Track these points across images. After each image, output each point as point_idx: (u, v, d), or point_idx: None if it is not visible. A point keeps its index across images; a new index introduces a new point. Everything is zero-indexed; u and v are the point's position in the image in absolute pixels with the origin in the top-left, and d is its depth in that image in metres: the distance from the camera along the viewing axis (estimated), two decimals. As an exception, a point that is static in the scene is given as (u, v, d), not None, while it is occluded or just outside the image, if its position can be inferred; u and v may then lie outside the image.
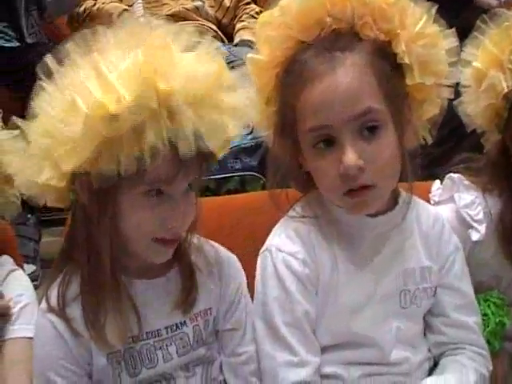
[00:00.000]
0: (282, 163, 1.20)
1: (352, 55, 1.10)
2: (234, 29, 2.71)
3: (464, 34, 1.31)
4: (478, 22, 1.32)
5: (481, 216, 1.34)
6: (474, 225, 1.34)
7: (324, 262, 1.18)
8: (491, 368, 1.26)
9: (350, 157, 1.08)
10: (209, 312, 1.19)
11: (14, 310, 1.25)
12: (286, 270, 1.16)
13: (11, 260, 1.35)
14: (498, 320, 1.30)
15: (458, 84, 1.29)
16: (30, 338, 1.18)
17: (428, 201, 1.38)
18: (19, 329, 1.24)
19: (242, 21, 2.70)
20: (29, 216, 2.46)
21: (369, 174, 1.09)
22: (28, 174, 1.07)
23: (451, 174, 1.39)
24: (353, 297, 1.18)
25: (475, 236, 1.33)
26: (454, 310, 1.25)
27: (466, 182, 1.38)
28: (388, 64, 1.12)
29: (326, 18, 1.12)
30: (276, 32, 1.15)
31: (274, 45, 1.16)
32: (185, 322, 1.16)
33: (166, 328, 1.15)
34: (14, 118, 1.09)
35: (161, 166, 1.02)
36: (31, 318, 1.22)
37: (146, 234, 1.07)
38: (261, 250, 1.21)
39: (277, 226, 1.23)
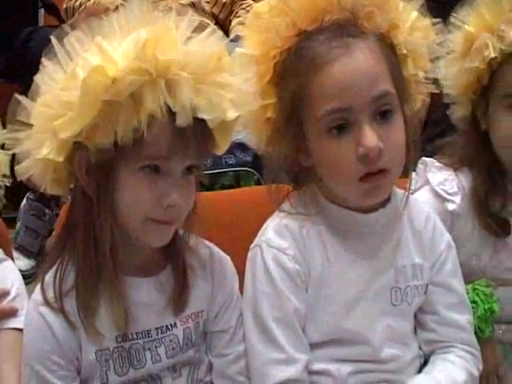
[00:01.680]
0: (278, 157, 1.20)
1: (363, 41, 1.11)
2: (230, 24, 2.70)
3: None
4: None
5: (455, 189, 1.40)
6: (449, 197, 1.40)
7: (315, 257, 1.18)
8: (481, 367, 1.26)
9: (371, 138, 1.08)
10: (200, 314, 1.18)
11: (5, 302, 1.25)
12: (275, 265, 1.16)
13: (0, 250, 1.34)
14: (487, 307, 1.32)
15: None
16: (19, 330, 1.18)
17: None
18: (10, 320, 1.23)
19: (239, 16, 2.69)
20: (47, 211, 2.43)
21: (386, 157, 1.10)
22: (29, 149, 1.07)
23: (423, 158, 1.44)
24: (344, 293, 1.18)
25: (451, 206, 1.39)
26: (445, 309, 1.25)
27: (438, 164, 1.44)
28: (392, 52, 1.14)
29: (330, 7, 1.12)
30: (272, 22, 1.14)
31: (269, 36, 1.15)
32: (175, 323, 1.15)
33: (157, 329, 1.14)
34: (17, 95, 1.09)
35: (158, 141, 1.02)
36: (20, 309, 1.22)
37: (142, 213, 1.07)
38: (251, 246, 1.21)
39: (267, 222, 1.22)
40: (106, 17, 1.06)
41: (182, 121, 1.02)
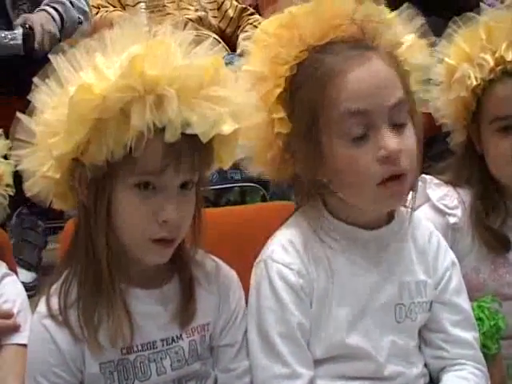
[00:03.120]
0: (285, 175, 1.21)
1: (375, 52, 1.13)
2: (237, 39, 2.72)
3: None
4: (450, 23, 1.44)
5: (455, 203, 1.43)
6: (450, 211, 1.42)
7: (319, 273, 1.17)
8: None
9: (393, 140, 1.10)
10: (206, 327, 1.17)
11: None
12: (280, 280, 1.16)
13: (4, 264, 1.35)
14: (492, 323, 1.31)
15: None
16: (23, 345, 1.18)
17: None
18: (11, 336, 1.23)
19: (246, 31, 2.71)
20: (39, 223, 2.45)
21: (404, 160, 1.11)
22: (31, 167, 1.09)
23: (422, 175, 1.44)
24: (348, 309, 1.17)
25: (452, 220, 1.42)
26: (452, 326, 1.24)
27: (436, 181, 1.46)
28: (400, 66, 1.16)
29: (339, 24, 1.14)
30: (285, 36, 1.15)
31: (282, 50, 1.15)
32: (181, 335, 1.15)
33: (162, 340, 1.13)
34: (19, 114, 1.10)
35: (150, 156, 1.03)
36: (24, 324, 1.22)
37: (140, 230, 1.07)
38: (256, 261, 1.21)
39: (272, 237, 1.22)
40: (103, 34, 1.06)
41: (169, 136, 1.02)
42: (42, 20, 2.37)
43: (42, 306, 1.11)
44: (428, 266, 1.24)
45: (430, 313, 1.24)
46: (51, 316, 1.09)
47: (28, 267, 2.37)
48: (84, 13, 2.53)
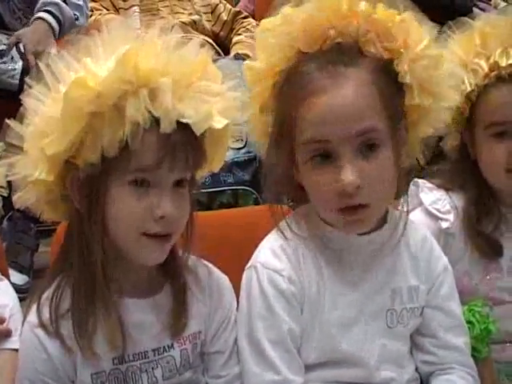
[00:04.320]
0: (276, 175, 1.19)
1: (356, 71, 1.09)
2: (231, 42, 2.72)
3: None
4: (444, 28, 1.42)
5: (448, 207, 1.43)
6: (442, 216, 1.42)
7: (310, 279, 1.17)
8: None
9: (349, 175, 1.07)
10: (198, 335, 1.17)
11: None
12: (270, 287, 1.15)
13: (-4, 269, 1.34)
14: (483, 327, 1.31)
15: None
16: (15, 350, 1.17)
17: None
18: (6, 340, 1.21)
19: (239, 34, 2.71)
20: (31, 225, 2.45)
21: (365, 193, 1.09)
22: (22, 173, 1.07)
23: (415, 180, 1.45)
24: (339, 315, 1.17)
25: (445, 224, 1.42)
26: (443, 332, 1.24)
27: (429, 185, 1.46)
28: (390, 82, 1.12)
29: (331, 31, 1.11)
30: (276, 40, 1.14)
31: (274, 53, 1.15)
32: (172, 344, 1.14)
33: (154, 350, 1.13)
34: (7, 120, 1.10)
35: (145, 151, 1.03)
36: (15, 330, 1.21)
37: (135, 228, 1.06)
38: (246, 266, 1.20)
39: (263, 242, 1.21)
40: (92, 36, 1.06)
41: (165, 126, 1.03)
42: (36, 37, 2.35)
43: (32, 315, 1.10)
44: (420, 270, 1.24)
45: (421, 318, 1.24)
46: (42, 326, 1.08)
47: (20, 270, 2.37)
48: (78, 7, 2.52)
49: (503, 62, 1.37)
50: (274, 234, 1.21)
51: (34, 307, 1.10)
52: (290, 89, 1.13)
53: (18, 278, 2.30)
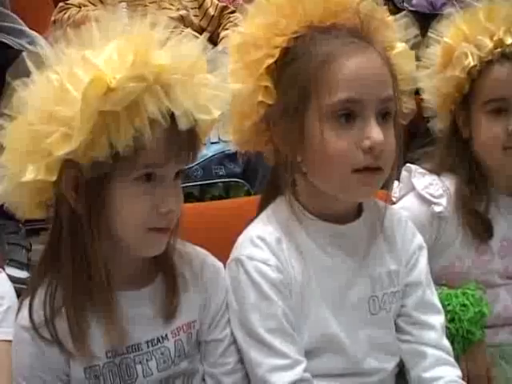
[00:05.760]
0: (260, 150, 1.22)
1: (373, 47, 1.15)
2: (218, 37, 2.72)
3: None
4: (448, 7, 1.48)
5: (440, 192, 1.43)
6: (435, 200, 1.42)
7: (294, 268, 1.17)
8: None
9: (379, 132, 1.10)
10: (192, 325, 1.16)
11: None
12: (260, 276, 1.15)
13: (-8, 263, 1.34)
14: (477, 309, 1.33)
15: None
16: (7, 341, 1.16)
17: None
18: (3, 332, 1.21)
19: (227, 29, 2.71)
20: (20, 226, 2.44)
21: (384, 157, 1.12)
22: (10, 174, 1.04)
23: (407, 165, 1.47)
24: (323, 303, 1.18)
25: (438, 208, 1.42)
26: (415, 309, 1.24)
27: (421, 170, 1.47)
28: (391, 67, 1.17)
29: (342, 11, 1.15)
30: (288, 6, 1.15)
31: (282, 19, 1.15)
32: (166, 335, 1.14)
33: (147, 342, 1.12)
34: None
35: (155, 147, 1.02)
36: (12, 321, 1.21)
37: (140, 224, 1.06)
38: (228, 261, 1.20)
39: (243, 234, 1.21)
40: (85, 28, 1.05)
41: (183, 124, 1.03)
42: None
43: (24, 313, 1.09)
44: (397, 252, 1.24)
45: (402, 301, 1.25)
46: (33, 323, 1.07)
47: (20, 267, 2.36)
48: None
49: (508, 40, 1.39)
50: (253, 225, 1.22)
51: (26, 304, 1.09)
52: (311, 53, 1.13)
53: (19, 274, 2.30)
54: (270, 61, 1.15)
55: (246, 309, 1.16)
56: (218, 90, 1.08)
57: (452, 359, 1.24)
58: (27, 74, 1.06)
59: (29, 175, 1.02)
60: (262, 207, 1.26)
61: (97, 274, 1.06)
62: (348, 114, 1.11)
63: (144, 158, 1.02)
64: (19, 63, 1.04)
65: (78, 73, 1.00)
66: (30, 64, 1.05)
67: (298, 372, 1.13)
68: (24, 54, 1.04)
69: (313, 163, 1.15)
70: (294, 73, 1.14)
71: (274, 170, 1.25)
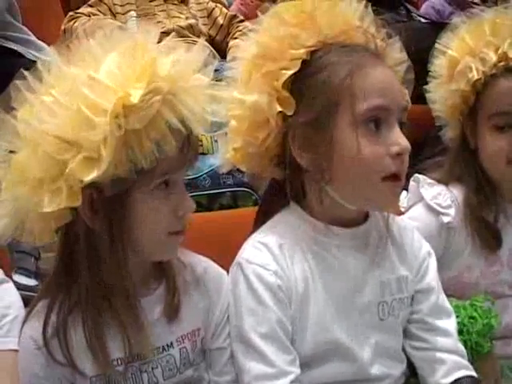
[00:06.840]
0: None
1: (384, 61, 1.18)
2: (227, 45, 2.73)
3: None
4: (454, 19, 1.47)
5: (449, 202, 1.44)
6: (444, 210, 1.43)
7: (297, 274, 1.17)
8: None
9: (404, 139, 1.13)
10: (197, 333, 1.16)
11: (4, 322, 1.24)
12: (257, 280, 1.15)
13: (1, 270, 1.34)
14: (485, 322, 1.32)
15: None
16: (13, 351, 1.17)
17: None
18: (11, 341, 1.21)
19: (235, 38, 2.72)
20: None
21: (406, 163, 1.14)
22: (27, 206, 1.03)
23: (416, 175, 1.47)
24: (330, 309, 1.17)
25: (446, 219, 1.42)
26: (429, 315, 1.25)
27: (430, 180, 1.47)
28: None
29: (352, 30, 1.18)
30: (310, 21, 1.16)
31: (306, 33, 1.16)
32: (171, 343, 1.14)
33: (153, 350, 1.12)
34: None
35: (172, 155, 1.04)
36: (19, 331, 1.21)
37: (163, 230, 1.08)
38: (231, 265, 1.20)
39: (247, 241, 1.21)
40: (82, 44, 1.05)
41: (198, 129, 1.06)
42: None
43: (34, 323, 1.09)
44: (406, 259, 1.25)
45: (410, 307, 1.25)
46: (46, 342, 1.07)
47: (28, 275, 2.37)
48: None
49: None
50: (257, 234, 1.22)
51: (35, 316, 1.10)
52: (335, 64, 1.14)
53: (28, 281, 2.31)
54: (290, 72, 1.15)
55: (241, 312, 1.16)
56: (214, 101, 1.10)
57: (467, 363, 1.25)
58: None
59: (50, 205, 1.01)
60: (261, 221, 1.25)
61: (121, 284, 1.06)
62: (378, 119, 1.13)
63: (162, 166, 1.03)
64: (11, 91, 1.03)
65: (89, 96, 0.99)
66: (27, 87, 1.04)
67: (286, 382, 1.12)
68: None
69: (341, 171, 1.15)
70: (318, 84, 1.15)
71: (272, 185, 1.26)
